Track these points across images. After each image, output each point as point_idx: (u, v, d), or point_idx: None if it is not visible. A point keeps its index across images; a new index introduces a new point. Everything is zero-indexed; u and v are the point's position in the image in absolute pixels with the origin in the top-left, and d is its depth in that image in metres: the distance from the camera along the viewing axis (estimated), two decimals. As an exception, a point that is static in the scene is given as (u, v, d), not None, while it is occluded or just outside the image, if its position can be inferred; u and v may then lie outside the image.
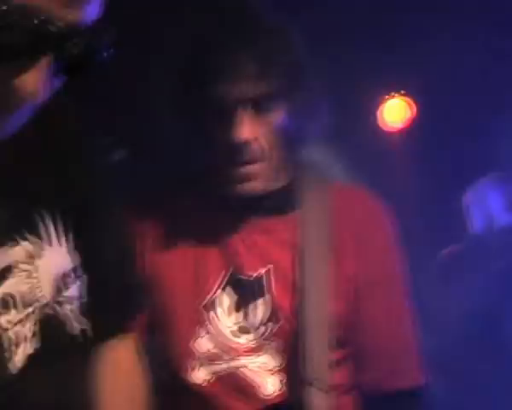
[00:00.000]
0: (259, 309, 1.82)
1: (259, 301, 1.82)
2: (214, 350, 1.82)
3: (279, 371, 1.81)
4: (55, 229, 1.39)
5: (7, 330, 1.29)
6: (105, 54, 1.28)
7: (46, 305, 1.35)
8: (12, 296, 1.32)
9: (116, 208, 1.56)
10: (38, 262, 1.35)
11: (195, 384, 1.82)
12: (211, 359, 1.82)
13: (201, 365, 1.82)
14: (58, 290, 1.37)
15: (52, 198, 1.40)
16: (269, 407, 1.81)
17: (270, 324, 1.82)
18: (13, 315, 1.30)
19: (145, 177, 2.35)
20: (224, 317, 1.83)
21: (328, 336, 1.79)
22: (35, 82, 1.22)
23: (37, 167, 1.39)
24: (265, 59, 1.74)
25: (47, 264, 1.37)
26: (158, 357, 1.84)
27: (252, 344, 1.82)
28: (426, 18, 3.67)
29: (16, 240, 1.32)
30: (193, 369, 1.82)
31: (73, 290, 1.39)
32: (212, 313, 1.83)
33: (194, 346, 1.82)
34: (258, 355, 1.81)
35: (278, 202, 1.86)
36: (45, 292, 1.35)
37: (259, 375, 1.81)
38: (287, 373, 1.81)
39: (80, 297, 1.40)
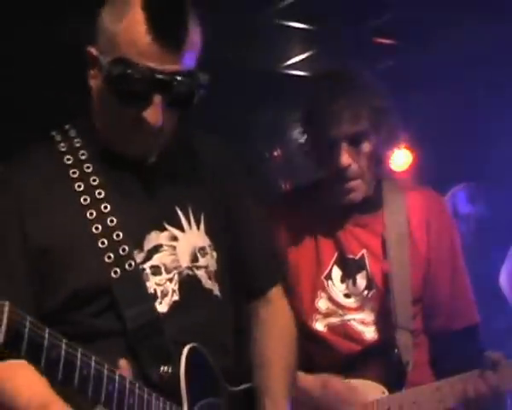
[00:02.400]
0: (360, 280, 2.61)
1: (360, 275, 2.62)
2: (331, 308, 2.60)
3: (374, 322, 2.60)
4: (190, 219, 2.01)
5: (159, 285, 1.94)
6: (202, 91, 1.91)
7: (184, 269, 1.96)
8: (160, 266, 1.94)
9: (256, 203, 2.18)
10: (177, 242, 1.97)
11: (318, 331, 2.61)
12: (328, 314, 2.60)
13: (322, 318, 2.61)
14: (194, 260, 1.98)
15: (187, 198, 2.05)
16: (368, 347, 2.59)
17: (367, 290, 2.61)
18: (161, 277, 1.92)
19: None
20: (338, 284, 2.62)
21: (409, 296, 2.58)
22: (155, 113, 1.86)
23: (176, 176, 2.05)
24: (357, 108, 2.52)
25: (184, 243, 1.98)
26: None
27: (356, 304, 2.61)
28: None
29: (164, 227, 1.96)
30: (316, 320, 2.61)
31: (205, 260, 2.00)
32: (329, 282, 2.62)
33: (317, 305, 2.61)
34: (360, 312, 2.60)
35: (369, 204, 2.64)
36: (183, 262, 1.97)
37: (361, 325, 2.60)
38: (379, 324, 2.59)
39: (208, 266, 2.00)
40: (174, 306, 1.93)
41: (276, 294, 2.21)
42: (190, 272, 1.97)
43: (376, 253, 2.62)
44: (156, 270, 1.93)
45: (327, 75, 2.69)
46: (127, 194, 1.97)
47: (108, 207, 1.92)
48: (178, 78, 1.86)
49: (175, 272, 1.95)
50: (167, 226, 1.97)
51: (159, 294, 1.92)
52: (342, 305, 2.61)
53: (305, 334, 2.59)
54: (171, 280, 1.94)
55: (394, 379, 2.53)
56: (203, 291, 1.99)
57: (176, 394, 1.86)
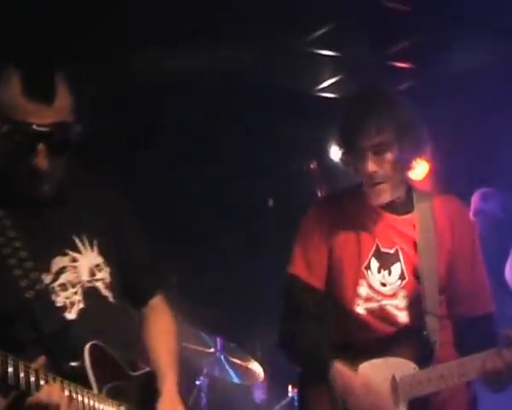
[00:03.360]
0: (394, 271, 3.03)
1: (394, 266, 3.03)
2: (370, 294, 3.02)
3: (406, 307, 3.01)
4: (85, 243, 2.51)
5: (68, 298, 2.43)
6: (77, 138, 2.36)
7: (85, 282, 2.49)
8: (66, 283, 2.45)
9: (136, 229, 2.70)
10: (78, 263, 2.49)
11: (358, 314, 3.02)
12: (368, 299, 3.02)
13: (362, 302, 3.02)
14: (92, 274, 2.51)
15: (81, 228, 2.52)
16: (401, 329, 3.00)
17: (400, 280, 3.02)
18: (68, 292, 2.45)
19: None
20: (375, 274, 3.03)
21: (436, 286, 3.00)
22: (41, 160, 2.30)
23: (71, 211, 2.51)
24: (381, 122, 2.91)
25: (83, 262, 2.50)
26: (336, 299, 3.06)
27: (391, 292, 3.02)
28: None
29: (65, 252, 2.47)
30: (358, 305, 3.02)
31: (101, 274, 2.53)
32: (368, 272, 3.03)
33: (358, 291, 3.03)
34: (395, 298, 3.02)
35: (402, 206, 3.07)
36: (84, 276, 2.49)
37: (395, 309, 3.01)
38: (411, 309, 3.00)
39: (104, 279, 2.53)
40: (81, 313, 2.46)
41: (158, 301, 2.78)
42: (90, 285, 2.50)
43: (408, 248, 3.04)
44: (63, 287, 2.45)
45: (356, 94, 3.16)
46: (32, 230, 2.45)
47: (20, 243, 2.40)
48: (54, 128, 2.31)
49: (78, 286, 2.48)
50: (68, 251, 2.49)
51: (68, 305, 2.44)
52: (379, 292, 3.02)
53: (348, 317, 3.03)
54: (76, 293, 2.46)
55: (423, 357, 2.93)
56: (101, 298, 2.53)
57: (86, 381, 2.36)
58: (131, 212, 2.72)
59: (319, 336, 3.04)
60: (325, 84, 5.52)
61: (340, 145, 3.09)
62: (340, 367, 2.92)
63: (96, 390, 2.37)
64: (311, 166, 5.54)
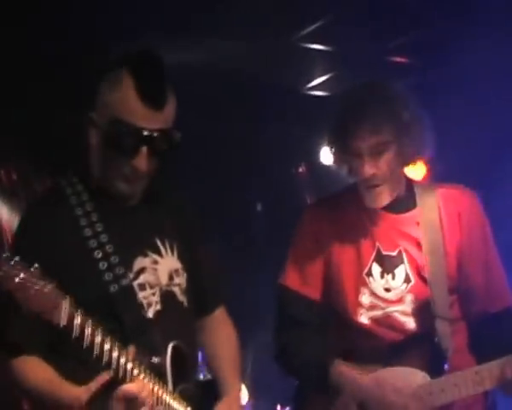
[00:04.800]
0: (399, 274, 2.80)
1: (398, 269, 2.80)
2: (374, 302, 2.79)
3: (414, 313, 2.77)
4: (167, 247, 2.57)
5: (145, 298, 2.47)
6: (176, 145, 2.49)
7: (164, 286, 2.53)
8: (145, 283, 2.50)
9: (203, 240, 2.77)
10: (158, 265, 2.54)
11: (362, 324, 2.79)
12: (371, 307, 2.79)
13: (366, 311, 2.79)
14: (170, 278, 2.56)
15: (163, 232, 2.58)
16: (409, 336, 2.77)
17: (406, 284, 2.79)
18: (146, 292, 2.49)
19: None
20: (378, 280, 2.80)
21: (445, 286, 2.76)
22: (142, 161, 2.43)
23: (153, 214, 2.60)
24: (378, 120, 2.68)
25: (163, 265, 2.56)
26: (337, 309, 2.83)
27: (396, 297, 2.79)
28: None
29: (147, 253, 2.53)
30: (360, 314, 2.79)
31: (178, 279, 2.58)
32: (370, 278, 2.81)
33: (361, 300, 2.80)
34: (401, 304, 2.78)
35: (403, 204, 2.84)
36: (163, 280, 2.54)
37: (403, 316, 2.78)
38: (419, 314, 2.77)
39: (181, 284, 2.58)
40: (157, 314, 2.51)
41: (221, 312, 2.82)
42: (168, 288, 2.56)
43: (412, 248, 2.81)
44: (142, 287, 2.50)
45: (351, 90, 2.90)
46: (118, 227, 2.50)
47: (106, 238, 2.46)
48: (160, 134, 2.42)
49: (157, 288, 2.53)
50: (149, 253, 2.54)
51: (145, 305, 2.49)
52: (383, 298, 2.79)
53: (351, 327, 2.80)
54: (154, 294, 2.52)
55: (435, 365, 2.70)
56: (177, 303, 2.58)
57: (162, 378, 2.41)
58: (200, 223, 2.79)
59: (317, 345, 2.84)
60: (316, 82, 5.29)
61: (333, 146, 2.85)
62: (343, 367, 2.75)
63: (171, 388, 2.43)
64: (300, 169, 5.34)
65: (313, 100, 5.32)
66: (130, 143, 2.39)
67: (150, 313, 2.49)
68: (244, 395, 4.86)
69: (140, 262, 2.51)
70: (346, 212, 2.89)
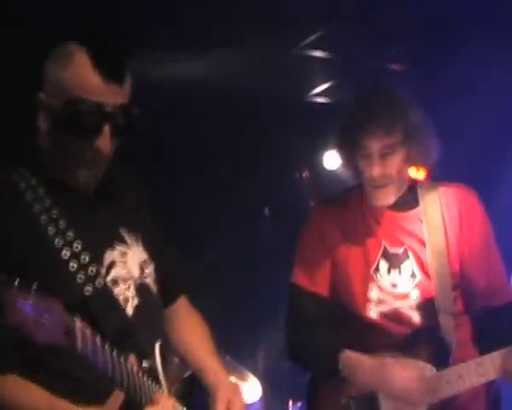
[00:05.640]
0: (405, 271, 2.92)
1: (404, 265, 2.92)
2: (381, 297, 2.91)
3: (419, 307, 2.90)
4: (132, 237, 2.38)
5: (119, 294, 2.27)
6: (135, 124, 2.22)
7: (137, 278, 2.35)
8: (117, 278, 2.29)
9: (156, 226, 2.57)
10: (128, 257, 2.34)
11: (370, 319, 2.91)
12: (380, 302, 2.91)
13: (374, 306, 2.92)
14: (141, 270, 2.38)
15: (125, 222, 2.37)
16: (415, 330, 2.89)
17: (411, 279, 2.92)
18: (120, 287, 2.28)
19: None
20: (385, 276, 2.93)
21: (448, 282, 2.89)
22: (105, 141, 2.17)
23: (112, 205, 2.35)
24: (388, 123, 2.80)
25: (132, 257, 2.36)
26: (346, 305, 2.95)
27: (402, 292, 2.91)
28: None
29: (114, 246, 2.32)
30: (370, 309, 2.92)
31: (148, 270, 2.41)
32: (378, 275, 2.93)
33: (369, 295, 2.92)
34: (407, 299, 2.91)
35: (407, 203, 2.96)
36: (134, 272, 2.35)
37: (409, 310, 2.90)
38: (424, 308, 2.89)
39: (151, 274, 2.42)
40: (136, 309, 2.32)
41: (184, 299, 2.68)
42: (141, 281, 2.37)
43: (416, 245, 2.93)
44: (115, 282, 2.29)
45: (361, 94, 3.02)
46: (82, 221, 2.25)
47: (71, 234, 2.20)
48: (121, 110, 2.19)
49: (130, 281, 2.33)
50: (117, 245, 2.33)
51: (122, 301, 2.29)
52: (391, 293, 2.91)
53: (360, 322, 2.92)
54: (128, 289, 2.32)
55: (440, 358, 2.83)
56: (152, 295, 2.42)
57: (157, 382, 2.28)
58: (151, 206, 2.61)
59: (327, 338, 2.94)
60: (318, 89, 5.44)
61: (342, 146, 2.97)
62: (352, 354, 2.85)
63: (166, 392, 2.32)
64: (304, 175, 5.45)
65: (316, 107, 5.48)
66: (92, 121, 2.15)
67: (129, 310, 2.30)
68: (258, 391, 4.95)
69: (109, 256, 2.30)
70: (351, 210, 3.01)
